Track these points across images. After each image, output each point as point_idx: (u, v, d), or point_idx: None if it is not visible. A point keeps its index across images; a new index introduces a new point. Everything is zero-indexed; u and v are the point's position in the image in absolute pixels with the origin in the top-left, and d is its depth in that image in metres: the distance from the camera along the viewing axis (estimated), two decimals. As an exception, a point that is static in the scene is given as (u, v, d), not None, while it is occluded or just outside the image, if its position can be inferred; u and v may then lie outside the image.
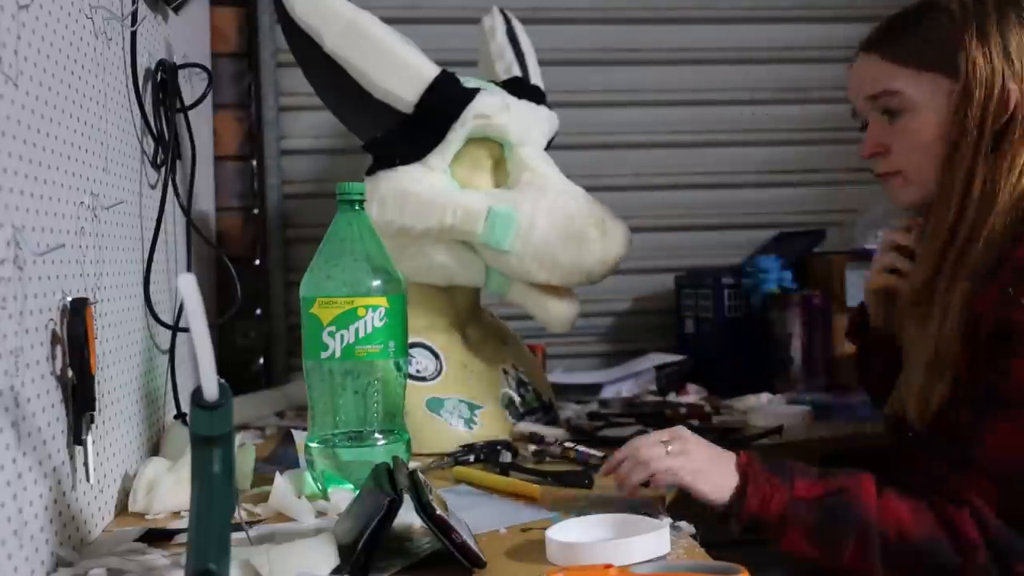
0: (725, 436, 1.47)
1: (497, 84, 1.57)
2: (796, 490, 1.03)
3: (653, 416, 1.67)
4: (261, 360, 2.08)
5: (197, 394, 0.73)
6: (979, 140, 1.09)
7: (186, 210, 1.49)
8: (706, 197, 2.23)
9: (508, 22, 1.75)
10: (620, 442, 1.15)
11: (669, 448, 1.07)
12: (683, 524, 1.03)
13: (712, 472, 1.05)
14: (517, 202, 1.42)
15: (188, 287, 0.71)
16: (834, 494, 1.03)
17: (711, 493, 1.05)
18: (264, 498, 1.15)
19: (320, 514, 1.11)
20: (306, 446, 1.19)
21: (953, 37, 1.10)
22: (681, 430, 1.10)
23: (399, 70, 1.41)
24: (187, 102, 1.47)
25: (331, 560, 0.88)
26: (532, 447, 1.40)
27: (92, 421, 0.99)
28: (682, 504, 1.10)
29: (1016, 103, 1.08)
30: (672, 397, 1.90)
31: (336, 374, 1.18)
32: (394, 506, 0.87)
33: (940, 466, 1.05)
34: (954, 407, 1.08)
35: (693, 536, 1.01)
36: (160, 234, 1.36)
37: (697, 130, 2.22)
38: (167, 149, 1.39)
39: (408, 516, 0.91)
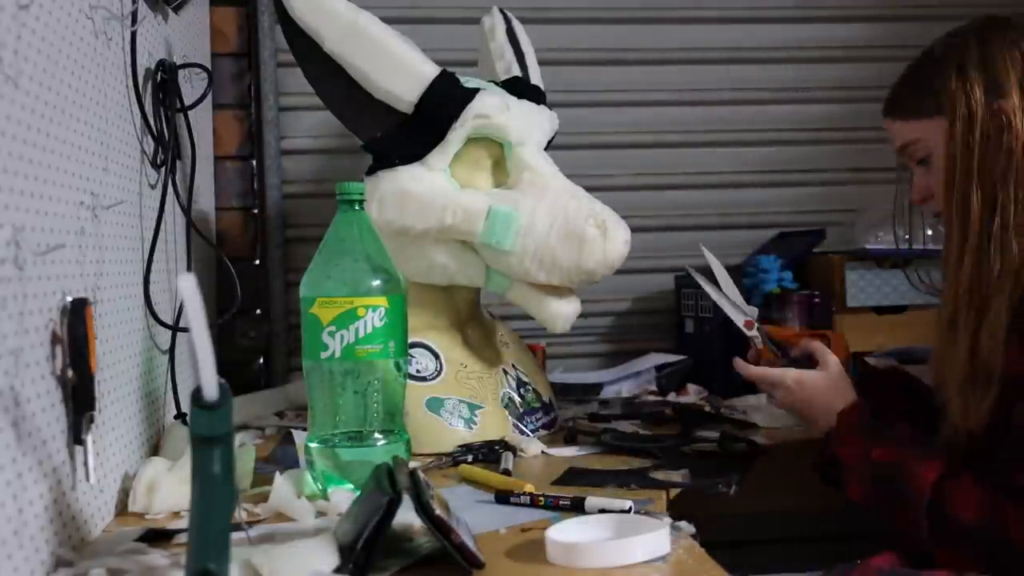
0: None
1: (497, 84, 1.57)
2: (870, 450, 1.15)
3: (653, 416, 1.67)
4: (261, 360, 2.08)
5: (197, 394, 0.73)
6: (982, 169, 1.12)
7: (186, 210, 1.49)
8: (706, 197, 2.22)
9: (508, 22, 1.75)
10: None
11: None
12: (683, 524, 1.03)
13: (817, 412, 1.25)
14: (517, 202, 1.42)
15: (188, 287, 0.71)
16: (895, 466, 1.13)
17: (812, 429, 1.27)
18: (264, 498, 1.15)
19: (320, 514, 1.11)
20: (306, 446, 1.19)
21: (938, 81, 1.16)
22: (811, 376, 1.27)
23: (399, 70, 1.42)
24: (187, 102, 1.47)
25: (331, 560, 0.88)
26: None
27: (92, 421, 0.99)
28: (682, 504, 1.10)
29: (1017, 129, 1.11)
30: (672, 397, 1.90)
31: (336, 374, 1.18)
32: (393, 506, 0.87)
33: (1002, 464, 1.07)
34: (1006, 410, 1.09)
35: (693, 536, 1.01)
36: (160, 234, 1.36)
37: (697, 130, 2.21)
38: (167, 149, 1.39)
39: (408, 516, 0.91)
